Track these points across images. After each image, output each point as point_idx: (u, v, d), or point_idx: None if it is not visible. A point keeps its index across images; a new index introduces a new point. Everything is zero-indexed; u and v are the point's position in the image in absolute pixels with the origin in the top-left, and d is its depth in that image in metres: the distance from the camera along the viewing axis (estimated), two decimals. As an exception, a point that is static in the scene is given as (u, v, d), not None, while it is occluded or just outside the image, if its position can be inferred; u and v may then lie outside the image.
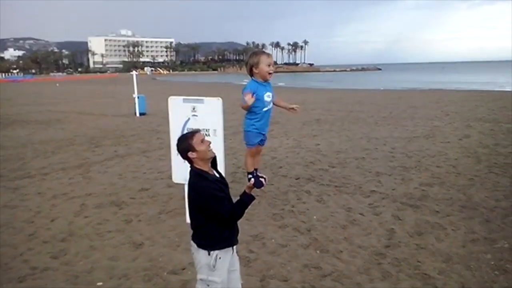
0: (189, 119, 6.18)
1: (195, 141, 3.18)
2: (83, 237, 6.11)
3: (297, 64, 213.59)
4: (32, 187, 8.64)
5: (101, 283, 4.81)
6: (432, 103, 24.66)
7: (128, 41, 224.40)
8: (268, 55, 3.30)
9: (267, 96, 3.20)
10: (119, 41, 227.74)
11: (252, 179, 3.43)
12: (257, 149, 3.43)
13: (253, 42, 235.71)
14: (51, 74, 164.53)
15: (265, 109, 3.32)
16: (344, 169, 9.65)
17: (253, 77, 3.31)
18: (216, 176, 3.31)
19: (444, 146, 11.90)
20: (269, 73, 3.31)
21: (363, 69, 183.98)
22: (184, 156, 3.23)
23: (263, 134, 3.36)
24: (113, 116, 21.25)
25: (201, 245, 3.30)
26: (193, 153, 3.17)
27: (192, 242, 3.37)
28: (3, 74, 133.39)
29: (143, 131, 15.83)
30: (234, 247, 3.43)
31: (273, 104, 3.55)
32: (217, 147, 5.74)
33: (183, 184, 6.45)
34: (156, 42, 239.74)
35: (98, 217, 6.85)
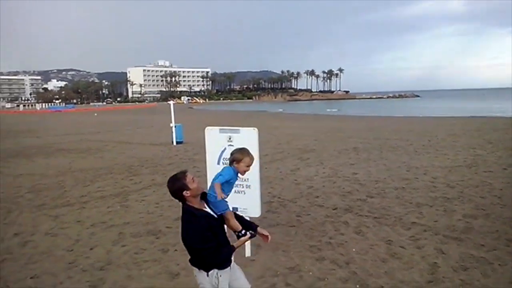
0: (225, 148, 6.20)
1: (188, 180, 3.41)
2: (121, 266, 6.14)
3: (333, 92, 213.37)
4: (71, 215, 8.81)
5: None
6: (473, 131, 24.04)
7: (165, 71, 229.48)
8: (251, 158, 3.59)
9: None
10: (157, 71, 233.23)
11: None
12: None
13: (288, 71, 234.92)
14: (91, 104, 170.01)
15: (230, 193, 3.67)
16: (383, 199, 9.42)
17: (232, 165, 3.61)
18: (204, 211, 3.49)
19: (487, 175, 11.49)
20: (245, 172, 3.61)
21: (400, 96, 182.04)
22: (179, 195, 3.43)
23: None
24: (150, 144, 21.64)
25: (201, 268, 3.49)
26: (188, 192, 3.39)
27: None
28: (46, 104, 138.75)
29: (180, 160, 16.02)
30: (232, 261, 3.66)
31: None
32: (253, 177, 5.74)
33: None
34: (193, 72, 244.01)
35: (135, 246, 6.89)
